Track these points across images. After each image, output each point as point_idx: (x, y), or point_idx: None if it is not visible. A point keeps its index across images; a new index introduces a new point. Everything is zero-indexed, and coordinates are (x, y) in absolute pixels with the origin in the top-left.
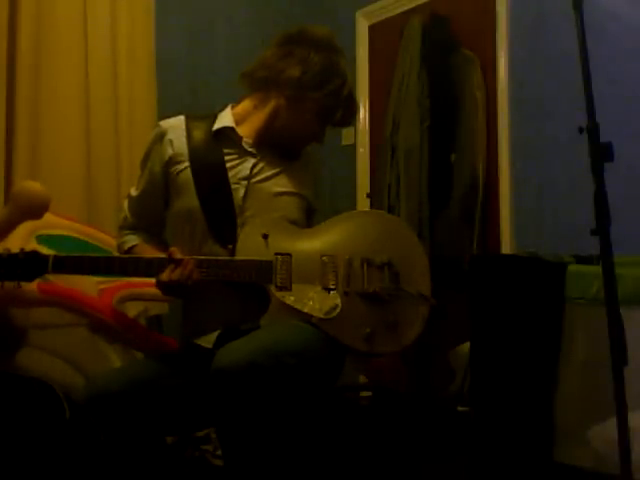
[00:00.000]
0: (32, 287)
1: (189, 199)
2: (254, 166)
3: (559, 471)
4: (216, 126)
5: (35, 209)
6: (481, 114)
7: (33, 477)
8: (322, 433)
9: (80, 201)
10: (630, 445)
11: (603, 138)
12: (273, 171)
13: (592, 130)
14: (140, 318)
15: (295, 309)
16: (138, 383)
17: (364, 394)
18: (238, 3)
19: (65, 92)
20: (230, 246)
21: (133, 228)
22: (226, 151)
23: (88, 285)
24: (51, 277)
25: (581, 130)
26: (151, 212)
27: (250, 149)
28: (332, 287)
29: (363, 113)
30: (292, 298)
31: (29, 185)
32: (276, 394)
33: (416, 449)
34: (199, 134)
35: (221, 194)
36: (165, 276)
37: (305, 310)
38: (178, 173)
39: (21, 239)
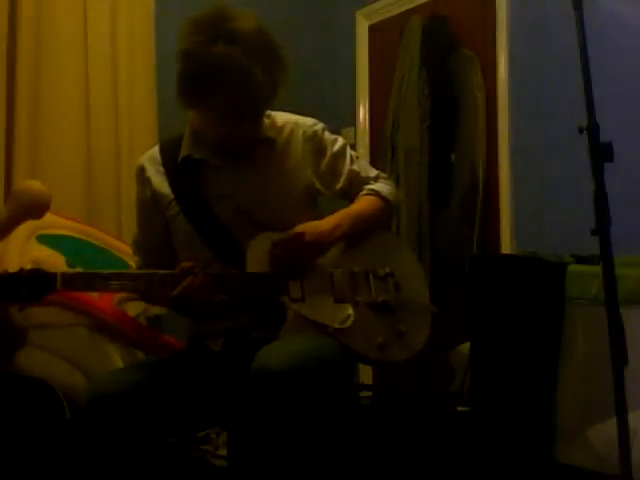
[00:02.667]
0: None
1: (184, 228)
2: (230, 179)
3: (559, 471)
4: (180, 156)
5: (36, 208)
6: (481, 114)
7: (33, 477)
8: (322, 433)
9: (80, 201)
10: (630, 445)
11: (603, 138)
12: (250, 175)
13: (592, 130)
14: (140, 318)
15: (311, 320)
16: (139, 385)
17: (364, 394)
18: (238, 3)
19: (65, 92)
20: (239, 262)
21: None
22: (198, 174)
23: None
24: None
25: (581, 130)
26: (157, 244)
27: (217, 164)
28: (342, 298)
29: (363, 113)
30: (307, 309)
31: (30, 184)
32: (309, 399)
33: (416, 449)
34: (171, 165)
35: (209, 218)
36: (179, 289)
37: (321, 321)
38: (164, 208)
39: (21, 240)
